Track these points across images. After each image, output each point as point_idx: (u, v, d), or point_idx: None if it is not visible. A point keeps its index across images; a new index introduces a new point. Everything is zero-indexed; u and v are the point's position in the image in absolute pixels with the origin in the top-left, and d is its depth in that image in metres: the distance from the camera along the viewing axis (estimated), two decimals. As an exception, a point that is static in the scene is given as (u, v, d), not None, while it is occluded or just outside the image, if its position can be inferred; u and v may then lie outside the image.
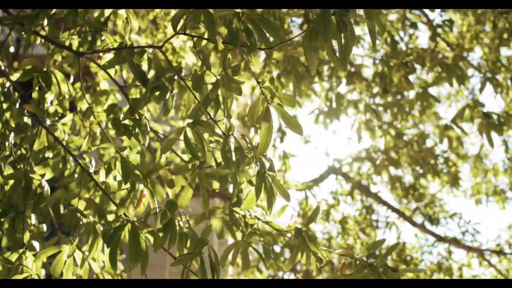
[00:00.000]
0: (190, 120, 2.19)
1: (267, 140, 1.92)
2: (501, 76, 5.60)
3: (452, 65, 4.87)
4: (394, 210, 8.72)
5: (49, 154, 3.01)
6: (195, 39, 2.09)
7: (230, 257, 2.69)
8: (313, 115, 5.41)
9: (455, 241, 8.66)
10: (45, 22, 3.03)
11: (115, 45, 2.83)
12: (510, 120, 4.32)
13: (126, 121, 2.44)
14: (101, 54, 2.89)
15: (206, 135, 2.24)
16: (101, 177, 2.50)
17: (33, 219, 2.73)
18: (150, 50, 2.75)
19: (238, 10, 1.74)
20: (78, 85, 3.94)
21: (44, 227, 3.00)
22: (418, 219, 8.79)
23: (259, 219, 2.80)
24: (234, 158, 2.12)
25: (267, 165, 2.26)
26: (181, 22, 2.07)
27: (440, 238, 8.71)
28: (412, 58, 5.30)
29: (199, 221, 2.74)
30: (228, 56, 1.81)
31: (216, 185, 2.84)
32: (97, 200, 2.84)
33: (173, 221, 2.37)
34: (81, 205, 2.90)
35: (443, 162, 7.78)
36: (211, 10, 1.91)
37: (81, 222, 2.76)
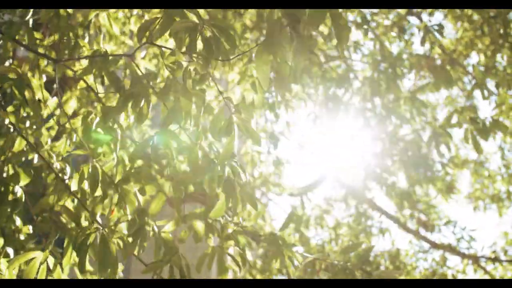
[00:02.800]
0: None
1: (229, 149, 1.93)
2: (497, 81, 5.56)
3: (441, 69, 4.85)
4: (389, 216, 8.69)
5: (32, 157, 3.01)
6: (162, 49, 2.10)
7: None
8: (308, 119, 5.41)
9: (450, 248, 8.62)
10: (25, 28, 3.03)
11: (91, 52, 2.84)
12: (497, 126, 4.28)
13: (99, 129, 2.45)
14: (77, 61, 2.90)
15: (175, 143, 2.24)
16: (72, 185, 2.51)
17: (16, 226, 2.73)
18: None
19: (197, 22, 1.74)
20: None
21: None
22: (413, 225, 8.75)
23: (236, 224, 2.79)
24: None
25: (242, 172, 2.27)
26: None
27: (435, 245, 8.68)
28: (403, 63, 5.28)
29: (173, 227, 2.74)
30: (188, 67, 1.81)
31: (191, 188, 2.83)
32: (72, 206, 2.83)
33: (143, 228, 2.37)
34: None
35: (441, 170, 7.74)
36: (177, 20, 1.91)
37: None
